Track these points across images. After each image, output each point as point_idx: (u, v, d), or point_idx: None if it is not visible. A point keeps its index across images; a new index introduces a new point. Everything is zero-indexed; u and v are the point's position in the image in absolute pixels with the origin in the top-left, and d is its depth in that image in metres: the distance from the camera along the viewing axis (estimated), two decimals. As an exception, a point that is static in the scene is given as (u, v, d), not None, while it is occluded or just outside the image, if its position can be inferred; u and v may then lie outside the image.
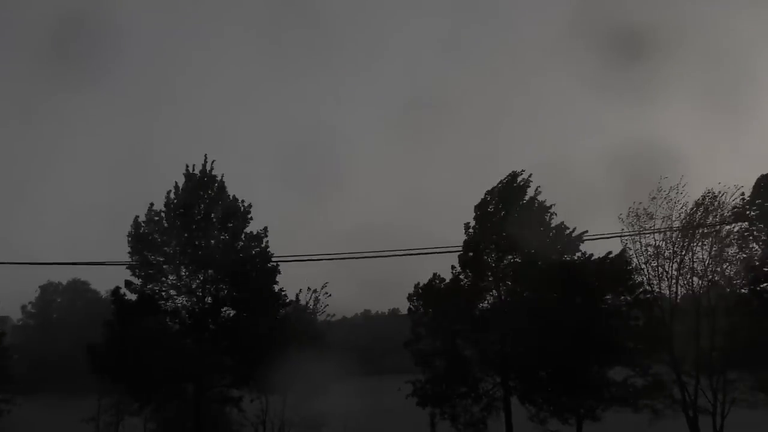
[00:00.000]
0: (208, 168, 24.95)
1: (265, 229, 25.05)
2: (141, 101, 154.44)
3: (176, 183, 24.77)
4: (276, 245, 25.07)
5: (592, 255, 23.88)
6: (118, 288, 24.21)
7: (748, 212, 22.40)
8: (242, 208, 25.07)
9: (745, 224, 22.40)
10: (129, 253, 24.06)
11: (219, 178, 25.07)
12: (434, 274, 24.70)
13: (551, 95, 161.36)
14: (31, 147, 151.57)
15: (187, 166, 24.88)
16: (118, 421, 32.93)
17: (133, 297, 24.27)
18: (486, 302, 24.56)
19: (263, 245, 24.90)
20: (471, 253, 24.18)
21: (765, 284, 21.97)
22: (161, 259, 24.19)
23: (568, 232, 23.87)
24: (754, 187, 22.42)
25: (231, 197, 25.11)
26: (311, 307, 27.42)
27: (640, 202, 23.52)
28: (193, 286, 24.34)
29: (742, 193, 22.35)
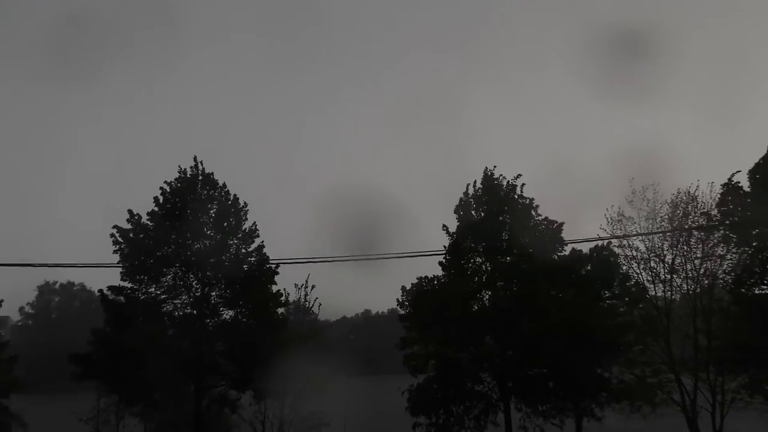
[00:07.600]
0: (199, 168, 24.49)
1: (254, 224, 24.42)
2: (142, 102, 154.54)
3: (163, 186, 24.22)
4: (278, 246, 24.84)
5: (581, 251, 23.76)
6: (105, 295, 23.36)
7: (715, 217, 22.36)
8: (238, 206, 24.53)
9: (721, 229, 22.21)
10: (119, 261, 23.16)
11: (216, 179, 24.65)
12: (420, 278, 23.81)
13: (551, 95, 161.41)
14: (29, 147, 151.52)
15: (180, 167, 24.46)
16: (117, 420, 32.88)
17: (121, 301, 23.51)
18: (478, 303, 23.80)
19: (259, 245, 24.40)
20: (452, 256, 23.58)
21: (747, 287, 21.88)
22: (151, 261, 23.36)
23: (555, 226, 23.29)
24: (721, 194, 22.21)
25: (227, 197, 24.57)
26: (301, 303, 27.59)
27: (614, 205, 23.60)
28: (191, 286, 23.96)
29: (721, 194, 22.21)
